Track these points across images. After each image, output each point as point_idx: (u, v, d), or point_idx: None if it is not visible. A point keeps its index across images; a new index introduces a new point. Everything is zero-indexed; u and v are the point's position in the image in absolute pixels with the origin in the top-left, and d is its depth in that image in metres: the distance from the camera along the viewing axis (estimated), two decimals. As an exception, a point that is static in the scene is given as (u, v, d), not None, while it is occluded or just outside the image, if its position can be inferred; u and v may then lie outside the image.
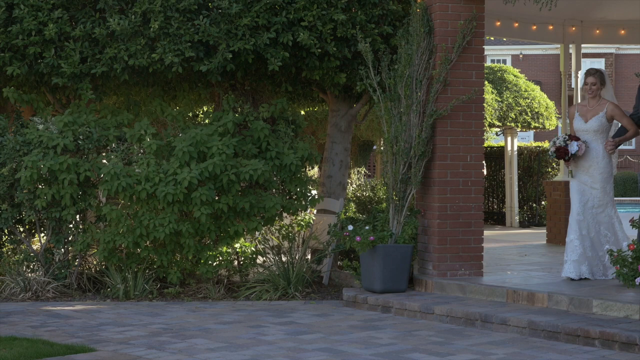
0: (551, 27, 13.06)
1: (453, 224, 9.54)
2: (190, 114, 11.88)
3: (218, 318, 8.78)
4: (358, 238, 9.28)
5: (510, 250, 12.66)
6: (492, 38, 12.22)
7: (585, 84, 9.42)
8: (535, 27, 12.87)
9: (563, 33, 13.24)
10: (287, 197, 10.50)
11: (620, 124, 9.50)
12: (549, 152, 9.37)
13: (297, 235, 10.73)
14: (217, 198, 9.95)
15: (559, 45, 42.20)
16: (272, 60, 10.00)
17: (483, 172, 9.90)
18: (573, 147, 9.20)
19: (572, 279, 9.16)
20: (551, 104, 19.71)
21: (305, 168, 10.78)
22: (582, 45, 13.48)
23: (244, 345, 7.46)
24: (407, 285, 9.45)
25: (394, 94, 9.69)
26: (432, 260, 9.53)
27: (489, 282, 9.20)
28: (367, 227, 9.43)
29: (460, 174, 9.57)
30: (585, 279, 9.17)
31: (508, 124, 18.74)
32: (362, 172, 19.83)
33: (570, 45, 13.50)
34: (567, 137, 9.28)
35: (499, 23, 12.40)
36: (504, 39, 14.28)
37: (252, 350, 7.26)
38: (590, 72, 9.38)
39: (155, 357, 7.02)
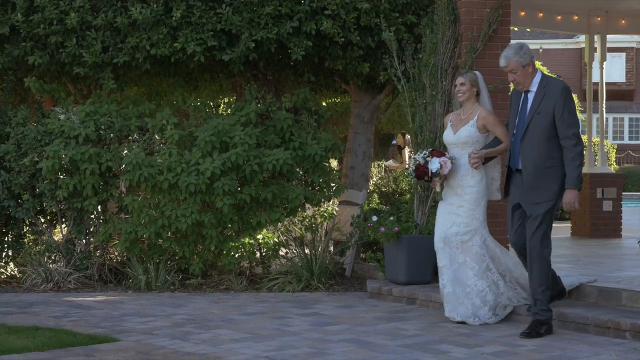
0: (576, 17, 12.90)
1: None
2: (212, 105, 11.79)
3: (241, 309, 8.69)
4: (382, 229, 9.17)
5: (534, 243, 12.49)
6: (516, 29, 12.08)
7: (454, 86, 8.17)
8: (560, 17, 12.72)
9: (588, 23, 13.08)
10: (310, 188, 10.40)
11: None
12: (408, 172, 7.99)
13: (320, 226, 10.62)
14: (239, 188, 9.85)
15: (579, 39, 41.71)
16: (295, 49, 9.89)
17: None
18: (434, 164, 7.75)
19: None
20: (574, 97, 19.55)
21: (328, 159, 10.67)
22: (596, 39, 13.31)
23: (269, 336, 7.37)
24: (431, 277, 9.32)
25: (418, 83, 9.58)
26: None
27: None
28: (391, 218, 9.31)
29: (486, 164, 9.42)
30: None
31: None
32: (383, 166, 19.70)
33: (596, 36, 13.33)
34: (427, 153, 7.86)
35: (523, 13, 12.26)
36: (528, 30, 14.15)
37: (277, 340, 7.16)
38: (460, 73, 8.33)
39: (180, 347, 6.93)
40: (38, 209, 10.34)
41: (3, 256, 10.61)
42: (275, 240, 10.33)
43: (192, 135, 10.01)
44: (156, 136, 10.10)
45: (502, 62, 7.46)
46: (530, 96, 7.41)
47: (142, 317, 8.27)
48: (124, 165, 9.76)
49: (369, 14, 9.98)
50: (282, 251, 10.60)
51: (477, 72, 8.04)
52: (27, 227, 10.61)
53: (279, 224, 10.30)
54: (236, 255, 10.04)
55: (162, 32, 9.80)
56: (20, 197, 10.29)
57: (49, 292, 9.83)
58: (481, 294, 7.81)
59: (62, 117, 10.10)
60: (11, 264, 10.69)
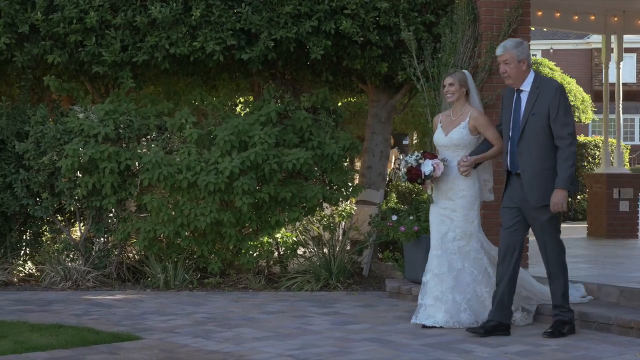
0: (593, 17, 12.86)
1: (497, 214, 9.37)
2: (230, 104, 11.80)
3: (261, 308, 8.70)
4: (402, 228, 9.16)
5: (551, 243, 12.46)
6: (533, 28, 12.05)
7: (442, 86, 7.90)
8: (577, 17, 12.68)
9: (605, 23, 13.03)
10: (328, 188, 10.40)
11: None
12: (400, 174, 7.78)
13: (337, 226, 10.62)
14: (258, 187, 9.86)
15: (589, 40, 41.63)
16: (314, 48, 9.89)
17: None
18: (427, 166, 7.58)
19: (425, 326, 7.60)
20: (587, 97, 19.54)
21: (346, 158, 10.67)
22: (611, 39, 13.28)
23: (291, 334, 7.37)
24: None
25: (437, 82, 9.56)
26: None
27: (536, 274, 9.02)
28: (410, 218, 9.30)
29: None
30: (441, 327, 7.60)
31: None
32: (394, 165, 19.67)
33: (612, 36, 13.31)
34: (420, 155, 7.69)
35: (540, 13, 12.22)
36: (545, 29, 14.14)
37: (300, 339, 7.16)
38: (448, 72, 7.86)
39: (203, 345, 6.94)
40: (56, 207, 10.36)
41: (21, 254, 10.62)
42: (294, 239, 10.34)
43: (210, 134, 10.02)
44: (175, 135, 10.10)
45: (499, 51, 7.33)
46: (524, 96, 7.27)
47: (163, 315, 8.28)
48: (143, 164, 9.75)
49: (388, 13, 9.98)
50: (300, 250, 10.60)
51: (465, 72, 7.85)
52: (46, 226, 10.62)
53: (297, 223, 10.30)
54: (254, 255, 10.05)
55: (182, 31, 9.81)
56: (39, 196, 10.31)
57: (68, 290, 9.85)
58: (480, 299, 7.66)
59: (81, 115, 10.12)
60: (29, 262, 10.70)
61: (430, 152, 7.78)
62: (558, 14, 12.49)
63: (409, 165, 7.64)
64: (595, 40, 40.21)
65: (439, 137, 7.72)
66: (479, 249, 7.70)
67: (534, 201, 7.16)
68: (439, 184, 7.67)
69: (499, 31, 9.33)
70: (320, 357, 6.56)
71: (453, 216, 7.67)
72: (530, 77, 7.30)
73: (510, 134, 7.31)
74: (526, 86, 7.27)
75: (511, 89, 7.39)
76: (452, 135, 7.61)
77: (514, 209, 7.33)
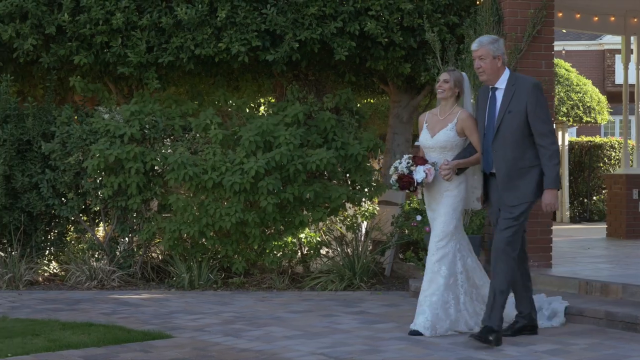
0: (613, 19, 12.90)
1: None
2: (253, 105, 11.87)
3: (287, 307, 8.76)
4: (427, 228, 9.19)
5: (571, 244, 12.52)
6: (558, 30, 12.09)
7: (436, 81, 7.58)
8: (596, 18, 12.72)
9: (624, 24, 13.08)
10: (351, 188, 10.45)
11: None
12: (391, 181, 7.40)
13: (360, 226, 10.68)
14: (282, 188, 9.92)
15: (601, 40, 41.47)
16: (339, 50, 9.96)
17: None
18: (419, 174, 7.22)
19: (414, 332, 7.29)
20: (603, 98, 19.50)
21: (369, 159, 10.73)
22: (619, 40, 13.30)
23: (320, 333, 7.43)
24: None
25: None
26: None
27: (559, 274, 9.10)
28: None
29: (530, 164, 9.45)
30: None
31: (560, 118, 18.58)
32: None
33: (632, 37, 13.34)
34: (411, 161, 7.30)
35: (560, 14, 12.25)
36: (564, 31, 14.13)
37: (330, 338, 7.22)
38: (446, 69, 7.57)
39: (234, 344, 7.00)
40: (82, 207, 10.44)
41: (46, 254, 10.71)
42: (318, 239, 10.40)
43: (235, 134, 10.08)
44: (199, 135, 10.17)
45: (475, 46, 7.13)
46: (499, 94, 7.07)
47: (191, 314, 8.35)
48: (169, 164, 9.82)
49: (412, 14, 10.04)
50: (323, 250, 10.66)
51: (463, 74, 7.52)
52: (70, 226, 10.70)
53: (320, 223, 10.36)
54: (278, 254, 10.11)
55: (207, 33, 9.88)
56: (64, 196, 10.39)
57: (93, 289, 9.93)
58: (445, 306, 7.32)
59: (106, 116, 10.20)
60: (53, 262, 10.79)
61: (420, 157, 7.40)
62: (578, 15, 12.53)
63: (400, 172, 7.30)
64: (607, 41, 40.14)
65: (424, 138, 7.42)
66: (456, 253, 7.36)
67: (509, 200, 6.96)
68: (430, 189, 7.39)
69: (523, 32, 9.38)
70: (352, 355, 6.61)
71: (436, 216, 7.42)
72: (506, 74, 7.10)
73: (485, 133, 7.11)
74: (501, 84, 7.08)
75: (486, 88, 7.19)
76: (439, 137, 7.31)
77: (495, 209, 7.18)
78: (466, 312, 7.39)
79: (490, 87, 7.14)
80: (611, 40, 38.04)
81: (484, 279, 7.51)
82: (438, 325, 7.25)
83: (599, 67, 42.06)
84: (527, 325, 7.34)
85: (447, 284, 7.31)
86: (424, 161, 7.30)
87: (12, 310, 8.55)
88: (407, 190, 7.38)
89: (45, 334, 7.22)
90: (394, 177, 7.33)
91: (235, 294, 9.71)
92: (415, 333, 7.25)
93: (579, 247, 12.10)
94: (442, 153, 7.31)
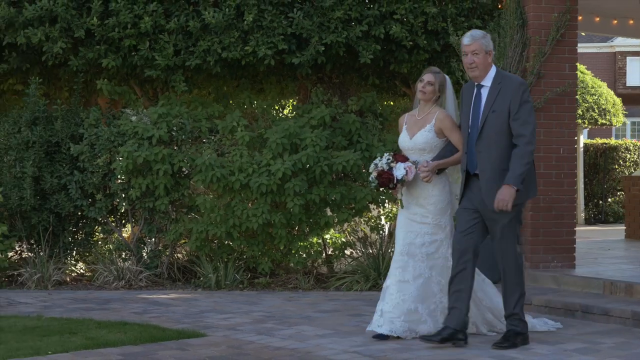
0: (631, 22, 13.00)
1: (546, 216, 9.55)
2: (276, 107, 12.02)
3: (316, 307, 8.88)
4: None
5: (590, 245, 12.62)
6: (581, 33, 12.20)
7: (420, 80, 7.21)
8: (615, 21, 12.83)
9: (643, 28, 13.19)
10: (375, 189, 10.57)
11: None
12: (370, 178, 7.18)
13: (384, 227, 10.80)
14: (308, 189, 10.04)
15: (613, 43, 41.39)
16: (364, 53, 10.09)
17: None
18: (399, 170, 7.00)
19: (380, 336, 7.12)
20: (618, 100, 19.59)
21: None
22: (630, 42, 13.38)
23: (351, 332, 7.54)
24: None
25: (485, 86, 9.72)
26: (525, 252, 9.54)
27: (583, 274, 9.20)
28: (460, 219, 9.46)
29: (553, 166, 9.58)
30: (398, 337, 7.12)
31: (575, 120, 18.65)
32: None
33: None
34: (391, 157, 7.09)
35: (580, 17, 12.35)
36: (583, 34, 14.24)
37: (361, 336, 7.31)
38: (430, 69, 7.23)
39: (268, 342, 7.12)
40: (109, 208, 10.58)
41: (73, 254, 10.85)
42: (343, 240, 10.52)
43: (261, 136, 10.21)
44: (226, 137, 10.30)
45: (467, 41, 6.83)
46: (484, 92, 6.81)
47: (221, 313, 8.47)
48: (196, 166, 9.95)
49: (436, 18, 10.18)
50: (347, 251, 10.78)
51: (447, 76, 7.25)
52: (98, 226, 10.84)
53: (345, 224, 10.49)
54: (304, 255, 10.24)
55: (234, 36, 10.01)
56: (92, 197, 10.53)
57: (121, 289, 10.06)
58: (445, 311, 7.07)
59: (133, 118, 10.34)
60: (80, 262, 10.93)
61: (401, 154, 7.18)
62: (598, 19, 12.64)
63: (380, 169, 7.07)
64: (618, 43, 40.20)
65: (403, 140, 7.21)
66: (448, 257, 7.11)
67: (492, 203, 6.67)
68: (411, 189, 7.14)
69: (547, 36, 9.50)
70: (385, 353, 6.72)
71: (424, 221, 7.12)
72: (492, 71, 6.84)
73: (469, 132, 6.84)
74: (487, 81, 6.82)
75: (471, 85, 6.94)
76: (417, 138, 7.09)
77: (471, 211, 6.86)
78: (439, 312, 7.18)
79: (476, 84, 6.88)
80: (623, 43, 38.09)
81: (481, 276, 7.43)
82: (420, 329, 7.13)
83: (610, 70, 42.08)
84: (456, 332, 6.91)
85: (444, 289, 7.12)
86: (404, 159, 7.10)
87: (45, 309, 8.68)
88: (386, 188, 7.19)
89: (82, 333, 7.35)
90: (374, 173, 7.12)
91: (262, 293, 9.84)
92: (424, 339, 6.97)
93: (598, 248, 12.20)
94: (422, 155, 7.09)
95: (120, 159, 10.03)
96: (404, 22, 10.13)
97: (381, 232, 10.59)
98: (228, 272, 10.14)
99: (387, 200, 10.58)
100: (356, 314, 8.42)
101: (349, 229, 10.71)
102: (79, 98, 11.03)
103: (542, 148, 9.54)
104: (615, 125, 19.70)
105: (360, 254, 10.52)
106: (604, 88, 19.52)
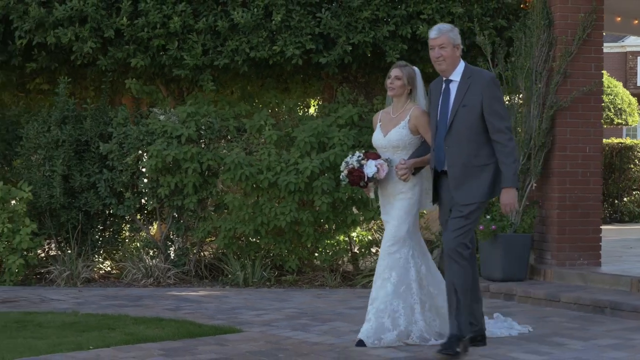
0: (652, 22, 13.08)
1: (572, 214, 9.64)
2: (301, 105, 12.12)
3: (346, 304, 8.97)
4: (481, 227, 9.42)
5: (612, 244, 12.68)
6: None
7: (387, 77, 6.98)
8: (636, 21, 12.90)
9: (664, 27, 13.26)
10: (401, 187, 10.66)
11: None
12: (341, 177, 6.98)
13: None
14: (335, 187, 10.14)
15: (624, 42, 41.27)
16: (391, 52, 10.18)
17: None
18: (370, 168, 6.77)
19: (360, 343, 6.79)
20: (634, 100, 19.68)
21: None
22: (636, 42, 13.44)
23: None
24: (526, 274, 9.56)
25: (511, 86, 9.83)
26: (551, 250, 9.64)
27: (610, 271, 9.29)
28: (487, 217, 9.55)
29: (579, 164, 9.67)
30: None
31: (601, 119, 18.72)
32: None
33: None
34: (362, 155, 6.87)
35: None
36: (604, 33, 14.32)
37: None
38: (396, 64, 7.01)
39: (305, 338, 7.21)
40: (137, 206, 10.69)
41: (101, 252, 10.96)
42: (369, 238, 10.62)
43: (288, 135, 10.31)
44: (253, 136, 10.40)
45: (434, 34, 6.57)
46: (453, 87, 6.54)
47: (253, 310, 8.57)
48: (225, 164, 10.05)
49: (462, 18, 10.27)
50: (373, 249, 10.87)
51: (416, 69, 6.95)
52: (126, 224, 10.95)
53: (372, 222, 10.58)
54: (330, 253, 10.33)
55: (262, 36, 10.12)
56: (120, 195, 10.64)
57: (149, 287, 10.16)
58: (394, 315, 6.81)
59: (161, 117, 10.45)
60: (108, 260, 11.04)
61: (373, 152, 6.96)
62: (619, 19, 12.70)
63: (351, 166, 6.86)
64: (630, 43, 40.22)
65: (377, 137, 6.96)
66: (409, 259, 6.84)
67: (461, 199, 6.46)
68: (385, 187, 6.91)
69: (574, 36, 9.59)
70: (421, 348, 6.80)
71: (389, 219, 6.92)
72: (461, 66, 6.57)
73: (437, 128, 6.59)
74: (456, 76, 6.55)
75: (439, 80, 6.68)
76: (391, 136, 6.84)
77: (446, 209, 6.69)
78: (423, 322, 6.86)
79: (444, 79, 6.61)
80: (634, 42, 38.11)
81: (440, 287, 6.96)
82: (383, 335, 6.76)
83: (621, 69, 42.10)
84: (477, 336, 6.83)
85: (396, 291, 6.80)
86: (376, 156, 6.87)
87: (79, 306, 8.79)
88: (358, 187, 6.94)
89: (120, 328, 7.45)
90: (345, 172, 6.91)
91: (289, 291, 9.93)
92: (360, 343, 6.75)
93: (621, 246, 12.28)
94: (396, 153, 6.85)
95: (148, 157, 10.10)
96: (431, 22, 10.21)
97: (407, 230, 10.65)
98: (255, 270, 10.24)
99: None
100: (387, 311, 8.50)
101: (375, 227, 10.80)
102: (106, 97, 11.13)
103: (569, 147, 9.64)
104: (631, 125, 19.77)
105: (386, 251, 10.58)
106: (619, 88, 19.61)
